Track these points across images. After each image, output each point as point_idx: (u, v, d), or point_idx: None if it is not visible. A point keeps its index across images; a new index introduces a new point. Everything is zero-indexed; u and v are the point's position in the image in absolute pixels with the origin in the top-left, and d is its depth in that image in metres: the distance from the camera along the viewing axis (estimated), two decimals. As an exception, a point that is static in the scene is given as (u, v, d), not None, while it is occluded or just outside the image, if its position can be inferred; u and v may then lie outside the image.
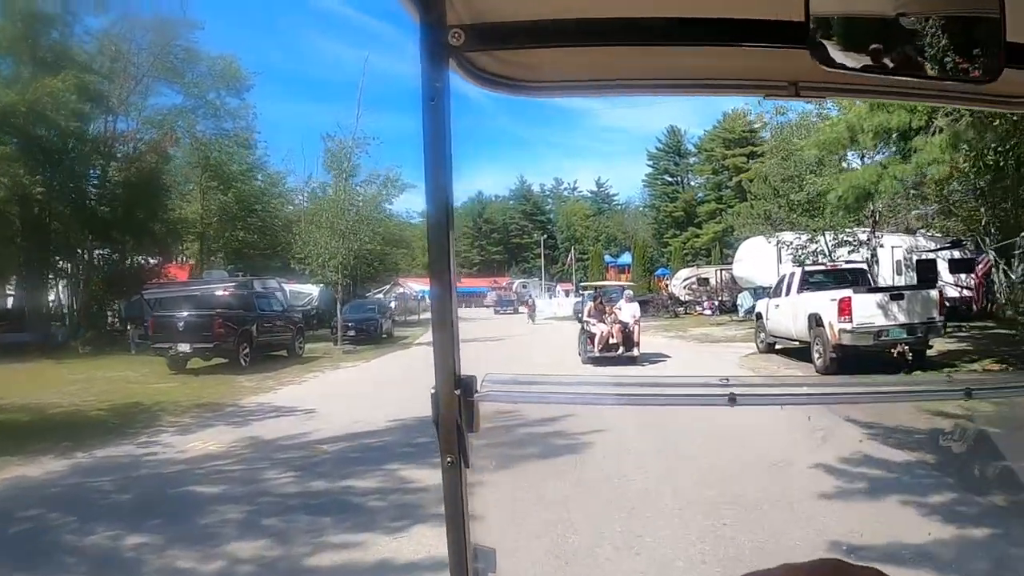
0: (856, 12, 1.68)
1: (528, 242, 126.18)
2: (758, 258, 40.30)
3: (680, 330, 42.93)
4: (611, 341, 26.09)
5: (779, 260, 38.00)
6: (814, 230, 33.44)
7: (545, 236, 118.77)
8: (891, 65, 1.67)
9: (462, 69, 1.94)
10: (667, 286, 66.01)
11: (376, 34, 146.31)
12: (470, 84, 2.00)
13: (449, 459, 1.83)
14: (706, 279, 58.17)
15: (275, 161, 64.75)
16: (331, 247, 39.16)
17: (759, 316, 28.90)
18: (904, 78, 1.74)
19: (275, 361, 30.57)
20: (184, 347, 28.04)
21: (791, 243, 35.31)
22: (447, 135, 1.79)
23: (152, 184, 45.74)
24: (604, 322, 26.55)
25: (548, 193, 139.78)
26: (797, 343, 25.30)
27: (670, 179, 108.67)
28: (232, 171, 52.93)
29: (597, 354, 25.86)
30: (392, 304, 75.62)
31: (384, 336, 45.10)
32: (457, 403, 1.82)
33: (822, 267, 28.21)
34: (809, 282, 25.87)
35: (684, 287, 58.08)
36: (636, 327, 26.95)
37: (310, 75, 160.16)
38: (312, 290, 47.14)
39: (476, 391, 1.87)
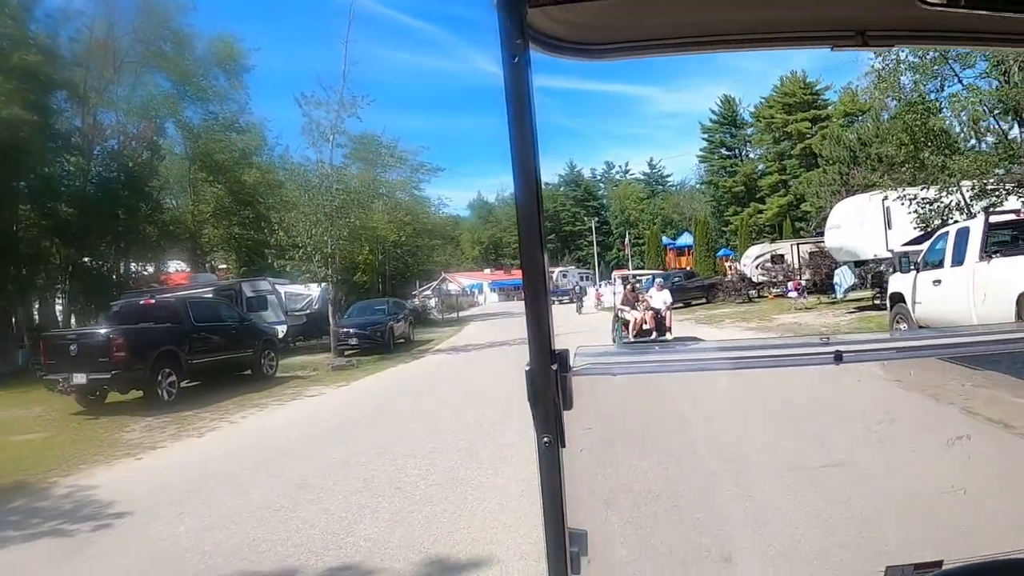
0: None
1: (581, 229, 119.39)
2: (861, 223, 30.28)
3: (761, 319, 33.69)
4: (644, 327, 25.61)
5: (887, 224, 29.64)
6: (952, 175, 23.21)
7: (597, 221, 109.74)
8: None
9: (534, 41, 1.80)
10: (734, 267, 57.46)
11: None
12: (535, 51, 1.81)
13: (546, 439, 1.77)
14: (781, 256, 48.59)
15: (287, 147, 54.94)
16: (315, 235, 29.41)
17: (895, 299, 19.33)
18: (979, 18, 1.73)
19: (224, 388, 22.50)
20: (79, 377, 19.46)
21: (914, 198, 25.13)
22: (531, 98, 1.71)
23: (136, 181, 39.68)
24: (637, 309, 26.12)
25: (599, 178, 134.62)
26: (980, 339, 15.48)
27: (727, 152, 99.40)
28: (222, 160, 44.69)
29: (632, 340, 24.70)
30: (432, 301, 67.54)
31: (400, 341, 37.44)
32: (554, 379, 1.77)
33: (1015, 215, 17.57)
34: (1002, 241, 16.41)
35: (756, 266, 48.48)
36: (668, 313, 26.69)
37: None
38: (311, 291, 38.08)
39: (571, 366, 1.83)
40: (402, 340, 37.75)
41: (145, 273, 45.07)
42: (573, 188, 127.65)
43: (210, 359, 22.82)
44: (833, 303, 36.07)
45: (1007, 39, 2.15)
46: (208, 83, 43.88)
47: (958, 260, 16.26)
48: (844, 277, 32.66)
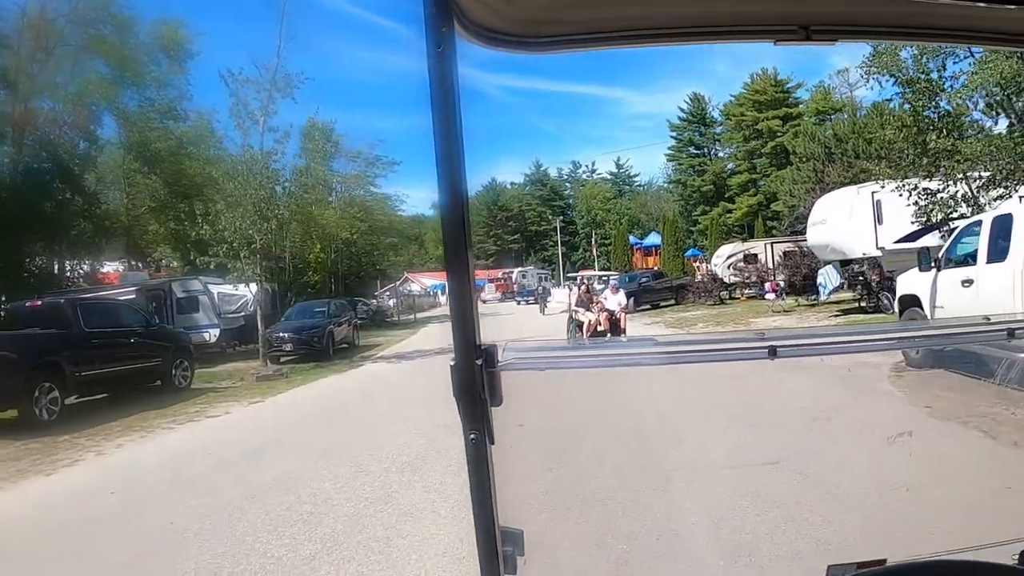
0: None
1: (547, 229, 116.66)
2: (849, 218, 27.05)
3: (736, 322, 30.86)
4: (599, 328, 25.31)
5: (877, 219, 26.58)
6: (962, 160, 20.29)
7: (563, 221, 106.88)
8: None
9: (460, 26, 1.77)
10: (703, 267, 54.75)
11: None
12: (470, 42, 1.85)
13: (473, 435, 1.76)
14: (754, 255, 45.74)
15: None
16: (240, 228, 25.83)
17: (907, 303, 16.36)
18: (920, 11, 1.82)
19: (122, 404, 19.32)
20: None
21: (914, 188, 22.24)
22: (456, 89, 1.68)
23: (69, 173, 37.05)
24: (591, 311, 25.88)
25: (566, 177, 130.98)
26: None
27: (696, 151, 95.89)
28: (159, 149, 41.19)
29: (586, 342, 21.54)
30: (391, 302, 64.22)
31: (342, 347, 34.21)
32: (479, 374, 1.74)
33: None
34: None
35: (728, 267, 45.48)
36: (622, 314, 26.32)
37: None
38: (247, 291, 34.76)
39: (499, 360, 1.80)
40: (345, 345, 34.51)
41: (80, 272, 41.64)
42: (539, 187, 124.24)
43: (105, 370, 19.47)
44: (813, 305, 33.26)
45: (950, 33, 2.15)
46: (146, 68, 40.53)
47: (998, 255, 13.09)
48: (829, 277, 29.58)
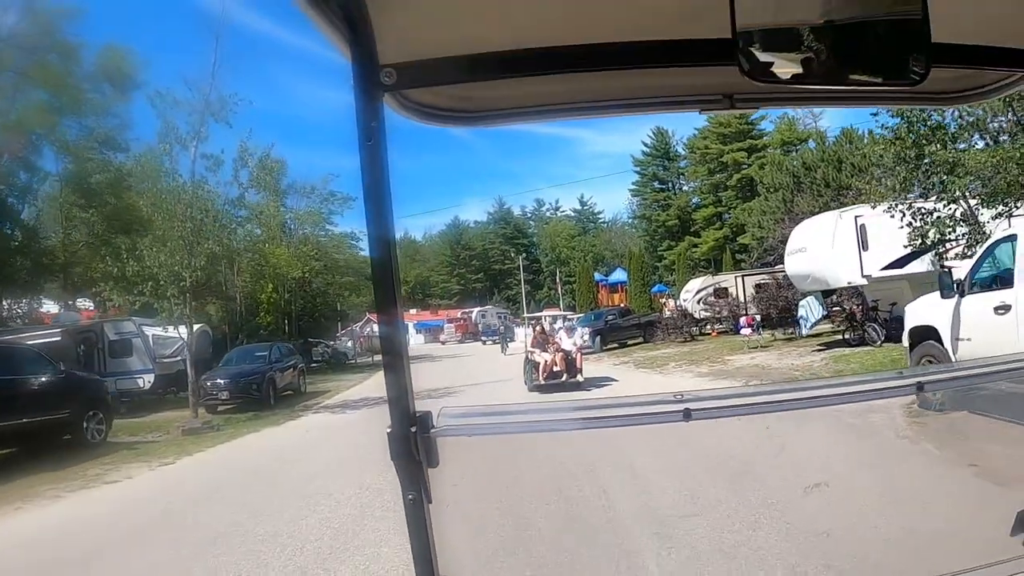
0: (781, 24, 1.66)
1: (511, 267, 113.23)
2: (832, 244, 24.70)
3: (713, 361, 28.05)
4: (555, 369, 24.82)
5: (862, 245, 24.55)
6: (962, 174, 18.25)
7: (526, 258, 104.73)
8: (820, 74, 1.67)
9: (397, 104, 1.94)
10: (669, 303, 52.08)
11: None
12: (406, 118, 2.01)
13: (411, 495, 1.81)
14: (724, 289, 43.56)
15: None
16: (168, 264, 23.11)
17: (921, 335, 13.85)
18: (835, 86, 1.79)
19: (15, 464, 17.12)
20: None
21: (908, 207, 20.17)
22: (386, 174, 1.77)
23: (6, 206, 35.38)
24: (547, 351, 25.42)
25: (530, 215, 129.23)
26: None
27: (660, 185, 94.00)
28: (97, 182, 37.90)
29: (542, 382, 24.47)
30: (348, 344, 61.46)
31: (287, 393, 31.31)
32: (413, 441, 1.81)
33: None
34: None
35: (698, 301, 43.26)
36: (578, 355, 25.71)
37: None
38: (183, 333, 32.03)
39: (433, 426, 1.87)
40: (289, 392, 31.63)
41: (18, 311, 38.79)
42: (502, 226, 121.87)
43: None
44: (792, 339, 30.98)
45: (865, 97, 2.31)
46: (87, 96, 37.80)
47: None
48: (811, 309, 27.25)
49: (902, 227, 20.99)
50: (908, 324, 14.48)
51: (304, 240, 51.67)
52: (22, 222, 36.97)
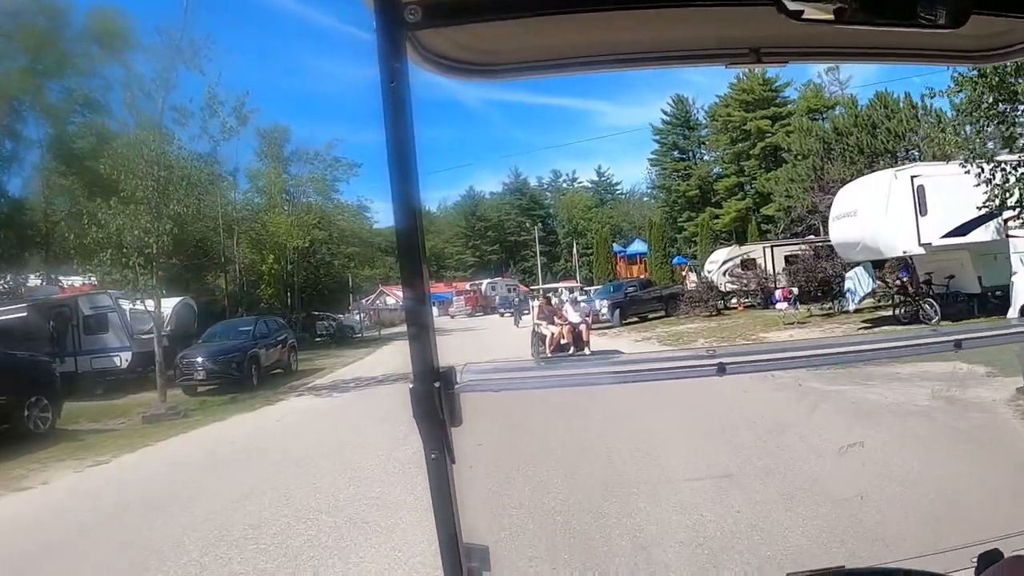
0: None
1: (526, 239, 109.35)
2: (885, 208, 21.58)
3: (749, 340, 25.08)
4: (562, 342, 24.13)
5: (919, 208, 21.14)
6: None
7: (542, 229, 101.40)
8: (857, 15, 1.59)
9: (418, 55, 1.83)
10: (689, 276, 48.57)
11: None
12: (427, 70, 1.88)
13: (433, 454, 1.74)
14: (752, 260, 40.12)
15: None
16: (131, 227, 20.13)
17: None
18: (869, 33, 1.71)
19: None
20: None
21: (990, 162, 17.09)
22: (409, 120, 1.69)
23: None
24: (554, 323, 24.74)
25: (546, 186, 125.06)
26: None
27: (680, 155, 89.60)
28: (80, 148, 35.10)
29: (549, 355, 22.86)
30: (358, 317, 58.48)
31: (275, 372, 28.68)
32: (437, 396, 1.71)
33: None
34: None
35: (724, 273, 39.58)
36: (585, 327, 25.15)
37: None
38: (163, 306, 28.96)
39: (456, 383, 1.77)
40: (278, 371, 28.79)
41: (3, 286, 35.75)
42: (518, 196, 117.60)
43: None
44: (828, 315, 27.95)
45: (900, 53, 2.15)
46: (71, 58, 34.90)
47: None
48: (860, 281, 23.93)
49: (977, 185, 17.83)
50: (1018, 300, 11.48)
51: (307, 208, 48.46)
52: (6, 193, 35.13)
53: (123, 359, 27.56)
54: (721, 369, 1.88)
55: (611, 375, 2.19)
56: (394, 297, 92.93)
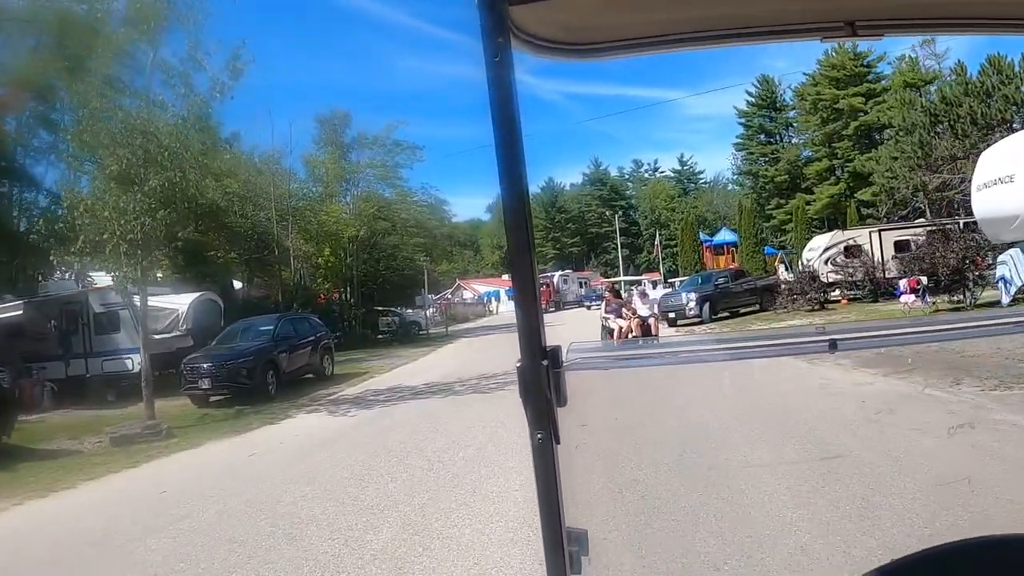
0: None
1: (608, 231, 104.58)
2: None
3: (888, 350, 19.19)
4: (631, 336, 22.51)
5: None
6: None
7: (623, 219, 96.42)
8: None
9: (515, 38, 1.75)
10: (782, 267, 44.21)
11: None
12: (519, 51, 1.78)
13: (539, 435, 1.68)
14: (858, 246, 34.39)
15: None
16: (101, 207, 16.33)
17: None
18: (970, 1, 1.72)
19: None
20: None
21: None
22: (515, 97, 1.64)
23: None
24: (623, 317, 23.55)
25: (627, 176, 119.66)
26: None
27: (767, 138, 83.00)
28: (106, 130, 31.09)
29: None
30: (430, 311, 54.18)
31: (307, 376, 24.82)
32: (545, 375, 1.67)
33: None
34: None
35: (825, 261, 33.89)
36: (653, 321, 24.16)
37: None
38: (179, 303, 24.79)
39: (563, 361, 1.72)
40: (310, 375, 24.56)
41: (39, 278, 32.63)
42: (599, 187, 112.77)
43: None
44: (957, 308, 23.18)
45: (995, 24, 2.04)
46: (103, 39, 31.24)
47: None
48: (1017, 267, 18.45)
49: None
50: None
51: (366, 197, 44.24)
52: (41, 185, 32.46)
53: (135, 362, 23.63)
54: (833, 346, 1.78)
55: (721, 352, 2.18)
56: (471, 291, 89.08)
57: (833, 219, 62.77)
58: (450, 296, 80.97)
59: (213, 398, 20.81)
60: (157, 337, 24.33)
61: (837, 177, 70.06)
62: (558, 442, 1.65)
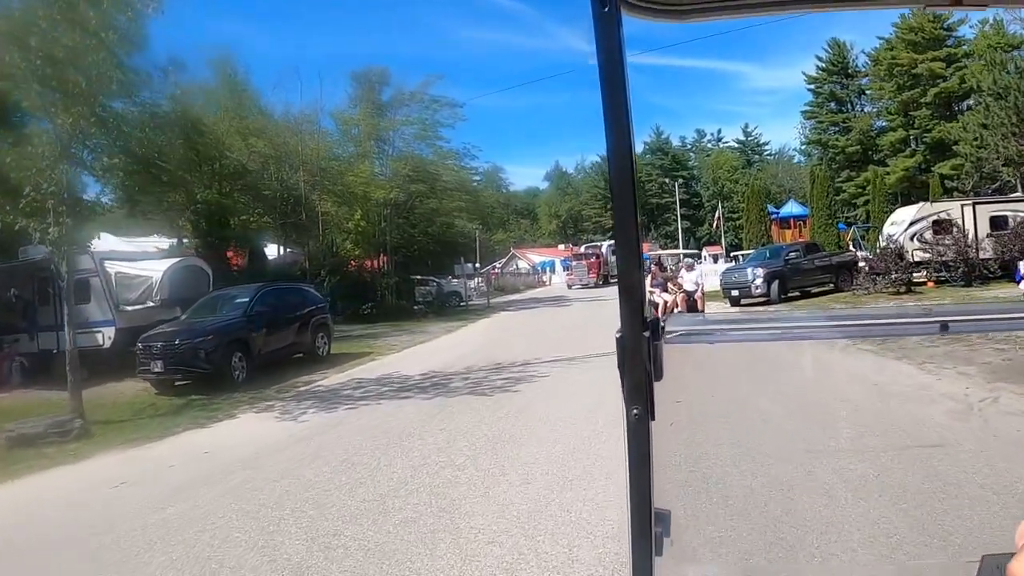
0: None
1: (668, 202, 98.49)
2: None
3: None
4: (676, 310, 21.36)
5: None
6: None
7: (684, 191, 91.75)
8: None
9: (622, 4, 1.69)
10: (860, 239, 39.89)
11: None
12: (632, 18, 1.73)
13: (636, 410, 1.62)
14: (948, 222, 29.43)
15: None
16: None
17: None
18: None
19: None
20: None
21: None
22: (623, 55, 1.58)
23: None
24: (668, 291, 22.73)
25: (689, 146, 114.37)
26: None
27: (838, 107, 76.80)
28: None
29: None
30: (474, 281, 50.26)
31: (298, 355, 21.24)
32: (646, 347, 1.62)
33: None
34: None
35: (912, 237, 29.12)
36: (700, 296, 22.88)
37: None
38: (153, 269, 21.16)
39: (663, 334, 1.71)
40: (299, 355, 20.64)
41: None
42: (660, 156, 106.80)
43: None
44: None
45: None
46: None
47: None
48: None
49: None
50: None
51: (400, 157, 40.19)
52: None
53: (105, 336, 20.54)
54: (944, 328, 1.76)
55: (825, 330, 2.09)
56: (527, 261, 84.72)
57: (907, 194, 57.41)
58: (498, 266, 76.63)
59: (179, 383, 17.11)
60: (129, 309, 20.83)
61: (913, 149, 64.37)
62: (653, 418, 1.60)
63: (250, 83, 36.99)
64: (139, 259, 22.61)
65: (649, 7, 1.76)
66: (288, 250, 37.98)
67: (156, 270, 21.27)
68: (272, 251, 38.20)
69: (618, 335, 1.59)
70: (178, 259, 23.48)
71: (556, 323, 28.44)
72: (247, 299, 19.42)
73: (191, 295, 21.07)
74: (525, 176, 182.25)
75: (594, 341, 20.89)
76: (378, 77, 41.98)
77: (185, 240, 33.31)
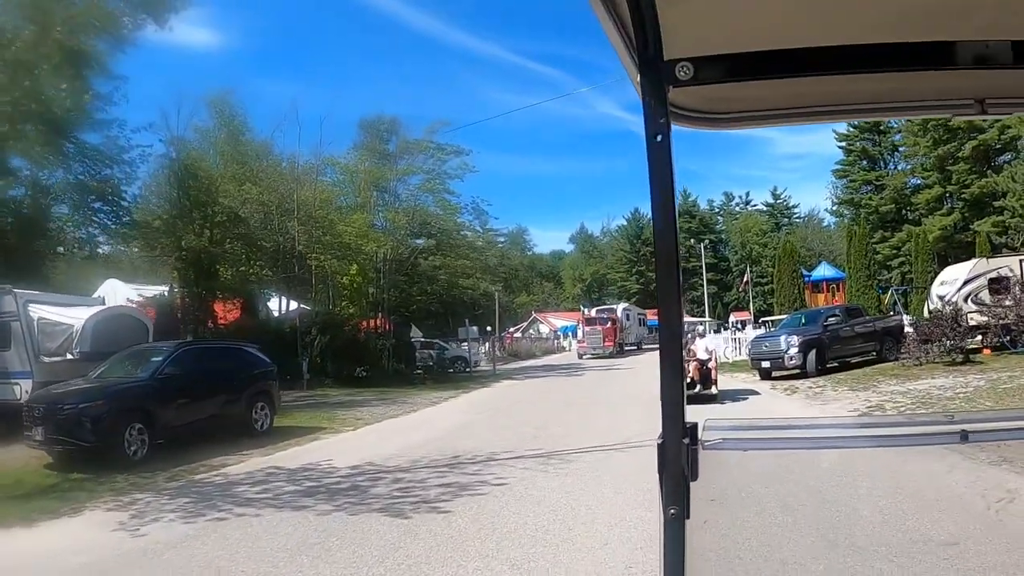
0: None
1: (695, 265, 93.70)
2: None
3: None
4: (690, 379, 20.52)
5: None
6: None
7: (712, 255, 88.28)
8: None
9: (673, 115, 1.83)
10: (903, 302, 37.60)
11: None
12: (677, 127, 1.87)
13: (673, 511, 1.68)
14: (1007, 279, 25.55)
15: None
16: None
17: None
18: None
19: None
20: None
21: None
22: (672, 173, 1.69)
23: None
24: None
25: (717, 209, 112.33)
26: None
27: (870, 164, 72.82)
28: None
29: None
30: (483, 349, 46.75)
31: (231, 427, 17.01)
32: (685, 452, 1.68)
33: None
34: None
35: (966, 298, 25.38)
36: (713, 366, 21.56)
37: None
38: (76, 317, 17.92)
39: (700, 439, 1.74)
40: (234, 428, 16.45)
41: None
42: (687, 220, 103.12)
43: None
44: None
45: None
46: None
47: None
48: None
49: None
50: None
51: (400, 209, 37.07)
52: None
53: (22, 389, 17.39)
54: (964, 437, 1.76)
55: (855, 440, 2.17)
56: (548, 325, 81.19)
57: (943, 254, 53.49)
58: (513, 330, 72.99)
59: (79, 453, 13.58)
60: (46, 360, 17.61)
61: (951, 207, 60.48)
62: (688, 517, 1.62)
63: (249, 126, 34.36)
64: (72, 304, 19.48)
65: (693, 117, 1.91)
66: (300, 305, 34.78)
67: (79, 318, 17.96)
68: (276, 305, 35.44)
69: (659, 441, 1.62)
70: (104, 307, 20.17)
71: (557, 397, 24.63)
72: (161, 357, 15.57)
73: (120, 349, 17.57)
74: (549, 240, 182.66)
75: (596, 424, 17.27)
76: (387, 127, 39.19)
77: (175, 288, 30.62)
